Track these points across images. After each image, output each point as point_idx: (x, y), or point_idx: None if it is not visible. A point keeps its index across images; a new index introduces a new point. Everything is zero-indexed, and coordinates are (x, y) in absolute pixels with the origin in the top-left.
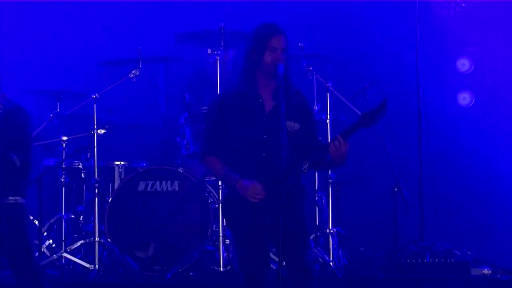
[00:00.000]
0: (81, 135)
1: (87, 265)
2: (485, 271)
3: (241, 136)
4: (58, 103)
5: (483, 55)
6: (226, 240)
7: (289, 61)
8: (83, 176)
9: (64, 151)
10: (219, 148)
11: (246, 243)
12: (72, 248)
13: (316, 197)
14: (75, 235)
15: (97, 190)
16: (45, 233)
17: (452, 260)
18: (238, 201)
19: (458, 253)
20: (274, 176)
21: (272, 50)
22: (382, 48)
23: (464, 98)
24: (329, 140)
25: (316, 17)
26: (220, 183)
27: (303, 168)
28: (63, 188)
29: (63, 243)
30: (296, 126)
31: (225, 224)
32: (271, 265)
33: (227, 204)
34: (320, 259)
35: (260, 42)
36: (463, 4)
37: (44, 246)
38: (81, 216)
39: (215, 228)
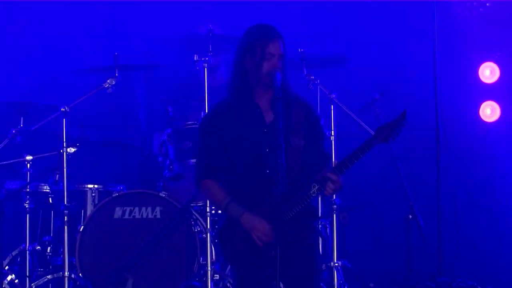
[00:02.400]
0: (49, 154)
1: None
2: None
3: (241, 152)
4: (22, 117)
5: (510, 62)
6: (215, 275)
7: (288, 68)
8: (50, 201)
9: (28, 173)
10: (217, 169)
11: (247, 279)
12: (38, 284)
13: (319, 226)
14: (42, 270)
15: (67, 218)
16: (6, 267)
17: None
18: (237, 229)
19: None
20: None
21: (268, 58)
22: (394, 54)
23: (489, 112)
24: (333, 162)
25: (319, 19)
26: (208, 209)
27: (311, 192)
28: (28, 215)
29: (27, 278)
30: (301, 142)
31: (215, 255)
32: None
33: (224, 233)
34: None
35: (255, 49)
36: (487, 4)
37: (6, 282)
38: (49, 248)
39: (203, 261)
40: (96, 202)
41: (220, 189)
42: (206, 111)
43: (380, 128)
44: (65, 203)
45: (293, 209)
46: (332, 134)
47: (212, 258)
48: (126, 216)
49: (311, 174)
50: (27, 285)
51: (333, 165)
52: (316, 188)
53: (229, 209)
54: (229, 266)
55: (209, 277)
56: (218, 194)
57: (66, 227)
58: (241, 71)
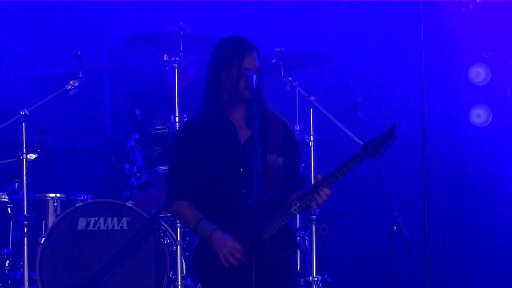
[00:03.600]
0: (7, 161)
1: None
2: None
3: (214, 172)
4: None
5: (502, 63)
6: None
7: (264, 82)
8: (9, 211)
9: None
10: (189, 190)
11: None
12: None
13: (297, 237)
14: (0, 285)
15: (27, 229)
16: None
17: None
18: (212, 250)
19: None
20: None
21: (245, 74)
22: (378, 55)
23: (479, 115)
24: (312, 169)
25: (297, 16)
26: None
27: (292, 209)
28: None
29: None
30: (279, 160)
31: (186, 269)
32: None
33: (198, 254)
34: None
35: (231, 66)
36: (477, 0)
37: None
38: (7, 261)
39: (173, 275)
40: (58, 212)
41: (190, 209)
42: (176, 118)
43: (367, 143)
44: (25, 213)
45: (272, 227)
46: (311, 139)
47: (183, 273)
48: (91, 227)
49: (285, 195)
50: None
51: (317, 179)
52: (298, 205)
53: (199, 228)
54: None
55: None
56: (189, 214)
57: (26, 239)
58: (216, 88)
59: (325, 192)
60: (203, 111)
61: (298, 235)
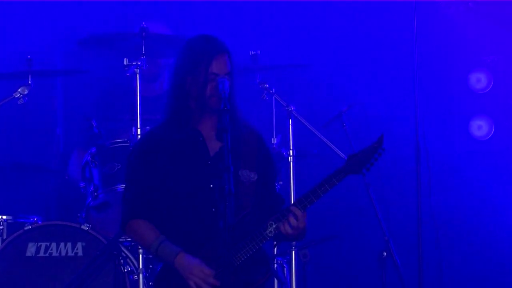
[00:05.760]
0: None
1: None
2: None
3: (180, 188)
4: None
5: (505, 68)
6: None
7: (236, 88)
8: None
9: None
10: (148, 208)
11: None
12: None
13: (275, 265)
14: None
15: None
16: None
17: None
18: (177, 276)
19: None
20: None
21: (212, 79)
22: (366, 59)
23: (480, 127)
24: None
25: (275, 16)
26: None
27: (267, 231)
28: None
29: None
30: (253, 176)
31: None
32: None
33: (162, 279)
34: None
35: (197, 69)
36: None
37: None
38: None
39: None
40: (5, 236)
41: (150, 229)
42: (138, 130)
43: (352, 157)
44: None
45: (245, 251)
46: (291, 154)
47: None
48: (41, 254)
49: (260, 217)
50: None
51: (295, 199)
52: (274, 227)
53: (161, 251)
54: None
55: None
56: (148, 234)
57: None
58: (181, 94)
59: (299, 217)
60: (168, 119)
61: (275, 262)
